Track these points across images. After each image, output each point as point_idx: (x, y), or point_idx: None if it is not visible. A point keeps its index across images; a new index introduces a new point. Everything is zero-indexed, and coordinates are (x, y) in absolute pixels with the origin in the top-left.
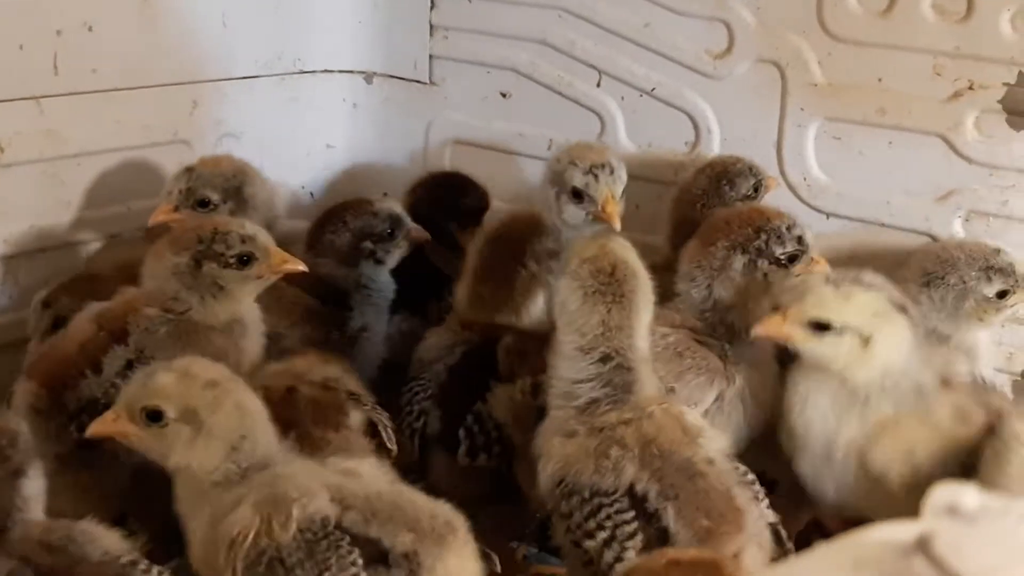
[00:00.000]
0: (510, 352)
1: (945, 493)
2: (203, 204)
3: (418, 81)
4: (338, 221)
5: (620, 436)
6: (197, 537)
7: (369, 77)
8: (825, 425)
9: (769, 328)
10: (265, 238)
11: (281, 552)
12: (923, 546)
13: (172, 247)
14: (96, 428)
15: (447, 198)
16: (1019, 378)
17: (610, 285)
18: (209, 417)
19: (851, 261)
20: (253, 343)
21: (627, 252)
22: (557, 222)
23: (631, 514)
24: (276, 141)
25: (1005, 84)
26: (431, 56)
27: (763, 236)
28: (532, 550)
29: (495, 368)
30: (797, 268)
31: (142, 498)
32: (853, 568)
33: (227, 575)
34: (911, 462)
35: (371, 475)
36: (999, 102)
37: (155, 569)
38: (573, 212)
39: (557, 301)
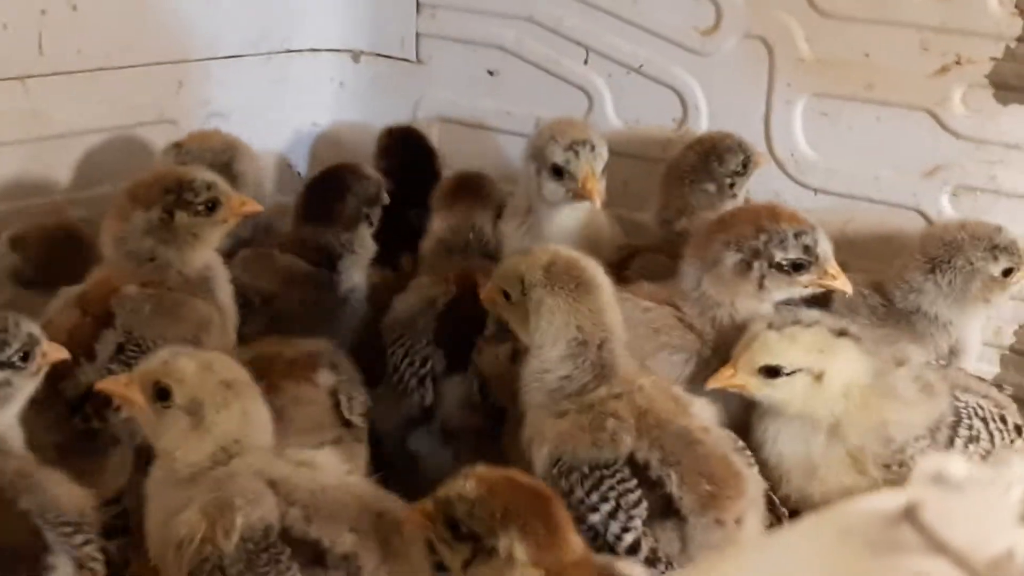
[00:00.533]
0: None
1: (932, 462)
2: None
3: (405, 59)
4: (342, 189)
5: (613, 409)
6: (155, 522)
7: (356, 56)
8: (797, 449)
9: (722, 381)
10: (223, 183)
11: (223, 561)
12: (910, 515)
13: (139, 203)
14: (107, 384)
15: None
16: (1007, 352)
17: (581, 275)
18: (212, 415)
19: (840, 237)
20: (226, 294)
21: (563, 248)
22: (536, 199)
23: (633, 482)
24: (263, 120)
25: (992, 58)
26: (418, 34)
27: (762, 237)
28: None
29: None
30: (804, 279)
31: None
32: (840, 537)
33: (173, 574)
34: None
35: (327, 466)
36: (986, 76)
37: (80, 537)
38: (553, 189)
39: (541, 321)
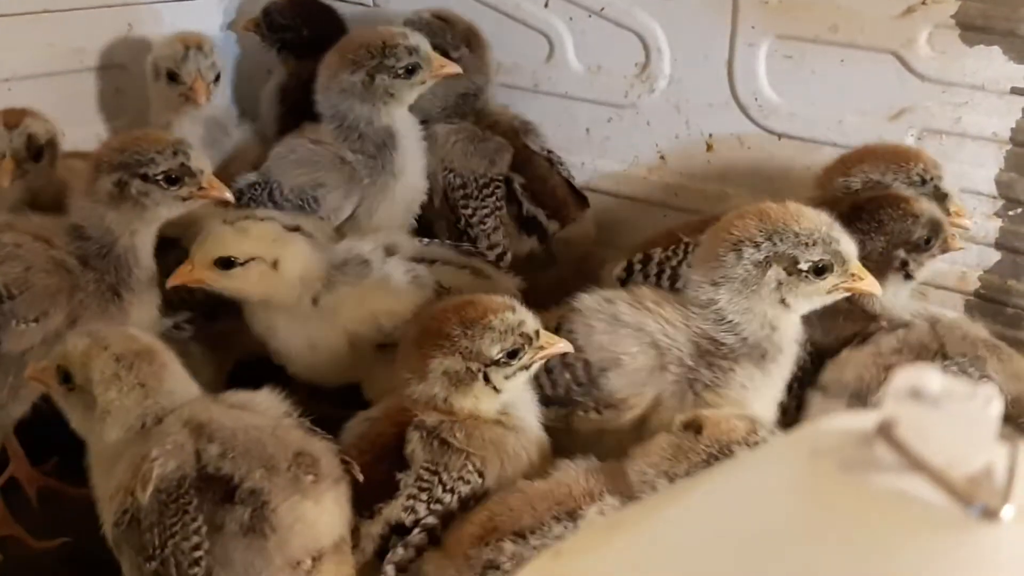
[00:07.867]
0: None
1: (908, 376)
2: None
3: (362, 4)
4: None
5: None
6: (102, 489)
7: None
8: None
9: (181, 277)
10: (427, 46)
11: (139, 512)
12: (884, 431)
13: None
14: (30, 371)
15: None
16: (971, 297)
17: None
18: (101, 392)
19: (802, 182)
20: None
21: None
22: None
23: None
24: None
25: None
26: None
27: None
28: None
29: None
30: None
31: None
32: (811, 458)
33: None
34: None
35: (264, 406)
36: (952, 17)
37: None
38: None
39: None
